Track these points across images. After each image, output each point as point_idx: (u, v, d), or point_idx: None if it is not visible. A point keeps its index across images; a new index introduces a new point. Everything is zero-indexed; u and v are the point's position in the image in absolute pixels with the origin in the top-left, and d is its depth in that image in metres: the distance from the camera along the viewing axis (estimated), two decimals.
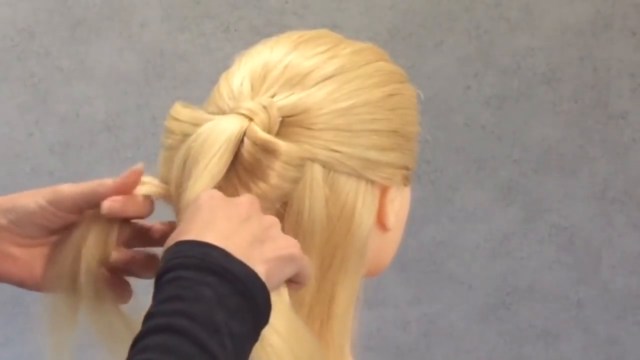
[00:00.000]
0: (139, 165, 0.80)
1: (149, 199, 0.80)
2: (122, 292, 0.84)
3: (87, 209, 0.80)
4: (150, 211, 0.81)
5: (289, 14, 2.32)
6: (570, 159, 2.45)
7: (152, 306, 0.67)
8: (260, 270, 0.69)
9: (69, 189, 0.80)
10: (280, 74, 0.80)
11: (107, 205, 0.78)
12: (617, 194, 2.47)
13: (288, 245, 0.74)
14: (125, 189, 0.79)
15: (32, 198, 0.81)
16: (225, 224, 0.71)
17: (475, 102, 2.41)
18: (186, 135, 0.78)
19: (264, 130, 0.76)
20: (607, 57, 2.40)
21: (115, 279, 0.83)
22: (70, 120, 2.32)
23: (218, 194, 0.75)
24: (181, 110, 0.80)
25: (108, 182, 0.79)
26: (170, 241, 0.71)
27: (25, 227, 0.81)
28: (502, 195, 2.46)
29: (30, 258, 0.83)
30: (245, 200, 0.75)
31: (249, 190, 0.76)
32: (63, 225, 0.82)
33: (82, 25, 2.28)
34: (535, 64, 2.40)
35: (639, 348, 2.55)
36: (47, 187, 0.82)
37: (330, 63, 0.81)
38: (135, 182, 0.80)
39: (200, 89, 2.27)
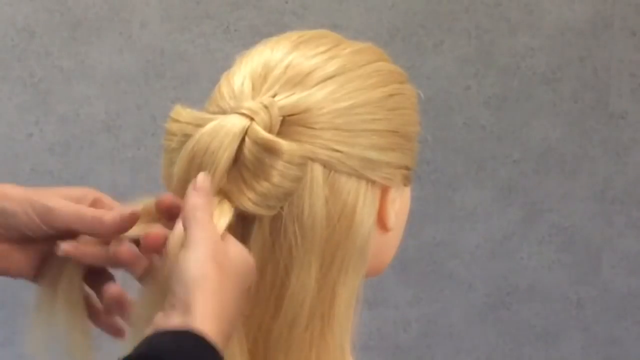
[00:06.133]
0: (138, 209, 0.79)
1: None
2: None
3: (78, 232, 0.80)
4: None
5: (289, 14, 2.32)
6: (570, 159, 2.45)
7: None
8: None
9: (61, 210, 0.79)
10: (282, 74, 0.80)
11: (66, 248, 0.79)
12: (617, 194, 2.47)
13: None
14: (120, 230, 0.79)
15: (23, 207, 0.80)
16: (231, 307, 0.73)
17: (475, 102, 2.41)
18: (187, 136, 0.78)
19: (265, 129, 0.76)
20: (607, 57, 2.40)
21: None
22: (70, 120, 2.32)
23: (220, 258, 0.74)
24: (181, 112, 0.80)
25: (107, 219, 0.78)
26: (169, 317, 0.70)
27: (12, 232, 0.81)
28: (502, 195, 2.46)
29: (17, 252, 0.82)
30: (245, 270, 0.75)
31: (253, 189, 0.76)
32: (51, 237, 0.81)
33: (82, 25, 2.28)
34: (535, 64, 2.40)
35: (639, 348, 2.55)
36: (44, 191, 0.80)
37: (331, 63, 0.81)
38: (132, 225, 0.79)
39: (200, 89, 2.27)
